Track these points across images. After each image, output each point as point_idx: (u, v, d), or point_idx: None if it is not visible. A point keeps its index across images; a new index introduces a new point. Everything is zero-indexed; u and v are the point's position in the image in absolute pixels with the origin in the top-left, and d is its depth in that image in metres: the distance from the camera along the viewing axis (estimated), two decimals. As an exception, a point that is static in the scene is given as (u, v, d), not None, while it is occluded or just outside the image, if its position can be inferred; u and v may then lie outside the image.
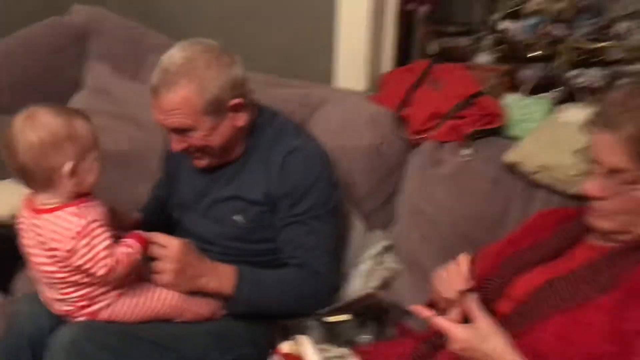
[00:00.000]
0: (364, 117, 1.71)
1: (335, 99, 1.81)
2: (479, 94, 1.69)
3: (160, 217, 1.61)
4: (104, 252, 1.18)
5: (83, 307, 1.25)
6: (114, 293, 1.26)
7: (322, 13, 1.89)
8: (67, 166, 1.17)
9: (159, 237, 1.29)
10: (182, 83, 1.29)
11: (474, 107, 1.66)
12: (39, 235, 1.20)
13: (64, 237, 1.17)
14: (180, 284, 1.30)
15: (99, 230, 1.19)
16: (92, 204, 1.23)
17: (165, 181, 1.64)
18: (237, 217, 1.42)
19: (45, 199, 1.20)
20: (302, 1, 1.98)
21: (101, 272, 1.18)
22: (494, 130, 1.65)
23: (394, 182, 1.70)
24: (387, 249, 1.61)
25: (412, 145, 1.70)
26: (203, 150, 1.39)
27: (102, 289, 1.25)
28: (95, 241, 1.18)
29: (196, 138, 1.35)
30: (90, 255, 1.17)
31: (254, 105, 1.43)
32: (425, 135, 1.67)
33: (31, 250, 1.23)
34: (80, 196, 1.21)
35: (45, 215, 1.19)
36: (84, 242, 1.17)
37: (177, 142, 1.38)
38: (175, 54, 1.33)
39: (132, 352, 1.24)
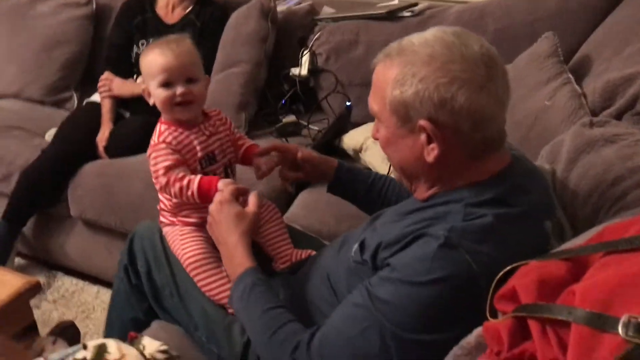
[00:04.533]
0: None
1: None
2: None
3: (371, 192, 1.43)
4: (162, 171, 1.33)
5: (159, 208, 1.47)
6: (171, 219, 1.43)
7: None
8: (143, 87, 1.39)
9: (226, 184, 1.29)
10: (395, 63, 1.00)
11: None
12: None
13: (151, 142, 1.38)
14: (212, 235, 1.30)
15: (165, 152, 1.34)
16: (181, 131, 1.36)
17: None
18: (356, 247, 1.12)
19: None
20: None
21: (157, 185, 1.36)
22: None
23: None
24: None
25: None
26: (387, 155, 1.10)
27: (167, 205, 1.42)
28: (158, 159, 1.34)
29: (381, 134, 1.06)
30: (153, 169, 1.35)
31: (475, 156, 1.00)
32: None
33: None
34: (183, 121, 1.37)
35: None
36: (153, 155, 1.35)
37: (374, 129, 1.10)
38: (426, 33, 1.02)
39: (158, 269, 1.41)
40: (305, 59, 2.25)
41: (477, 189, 1.00)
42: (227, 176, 1.43)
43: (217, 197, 1.27)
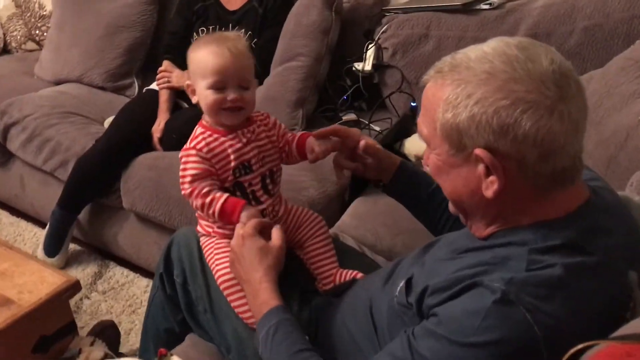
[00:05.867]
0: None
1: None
2: None
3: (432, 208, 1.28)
4: (188, 178, 1.24)
5: (197, 215, 1.36)
6: (207, 229, 1.33)
7: None
8: (187, 82, 1.29)
9: (249, 216, 1.21)
10: (447, 81, 0.85)
11: None
12: None
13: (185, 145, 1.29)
14: (234, 273, 1.22)
15: (194, 159, 1.24)
16: (217, 137, 1.26)
17: None
18: (402, 285, 1.00)
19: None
20: None
21: (182, 192, 1.26)
22: None
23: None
24: None
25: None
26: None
27: (199, 213, 1.32)
28: (187, 165, 1.25)
29: (431, 161, 0.92)
30: (181, 174, 1.26)
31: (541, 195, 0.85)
32: None
33: None
34: (225, 126, 1.27)
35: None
36: (183, 159, 1.27)
37: (425, 155, 0.97)
38: (485, 45, 0.86)
39: (193, 280, 1.33)
40: (370, 53, 2.10)
41: (545, 231, 0.84)
42: (264, 187, 1.32)
43: (239, 231, 1.19)
